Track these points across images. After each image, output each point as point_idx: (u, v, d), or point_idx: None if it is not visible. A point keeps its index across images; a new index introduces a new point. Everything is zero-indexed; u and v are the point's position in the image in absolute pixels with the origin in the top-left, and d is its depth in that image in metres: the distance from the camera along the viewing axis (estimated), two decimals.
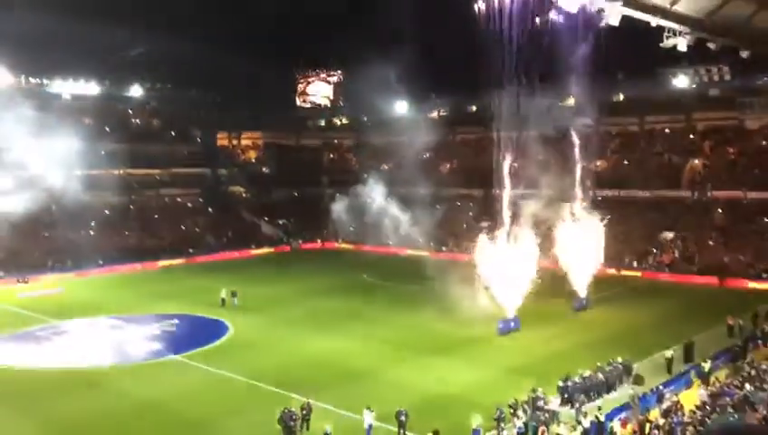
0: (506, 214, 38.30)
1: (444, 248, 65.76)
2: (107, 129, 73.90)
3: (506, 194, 38.69)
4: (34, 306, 45.50)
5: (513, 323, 36.90)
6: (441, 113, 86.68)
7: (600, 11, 18.16)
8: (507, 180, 38.67)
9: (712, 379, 26.18)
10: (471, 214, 67.80)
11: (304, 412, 23.74)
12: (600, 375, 26.82)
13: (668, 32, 20.69)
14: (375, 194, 61.07)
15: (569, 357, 31.31)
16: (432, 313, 40.01)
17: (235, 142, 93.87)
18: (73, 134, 59.13)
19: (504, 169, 38.65)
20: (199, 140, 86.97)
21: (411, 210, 58.48)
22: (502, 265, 36.08)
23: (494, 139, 40.14)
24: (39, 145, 53.71)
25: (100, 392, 28.57)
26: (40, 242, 61.23)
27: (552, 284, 43.98)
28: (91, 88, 70.10)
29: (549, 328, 37.63)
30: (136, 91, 76.97)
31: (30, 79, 64.27)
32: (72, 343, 37.06)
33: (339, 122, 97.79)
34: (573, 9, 15.26)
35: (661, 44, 21.06)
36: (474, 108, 78.77)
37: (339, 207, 63.37)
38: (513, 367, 30.90)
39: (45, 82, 65.22)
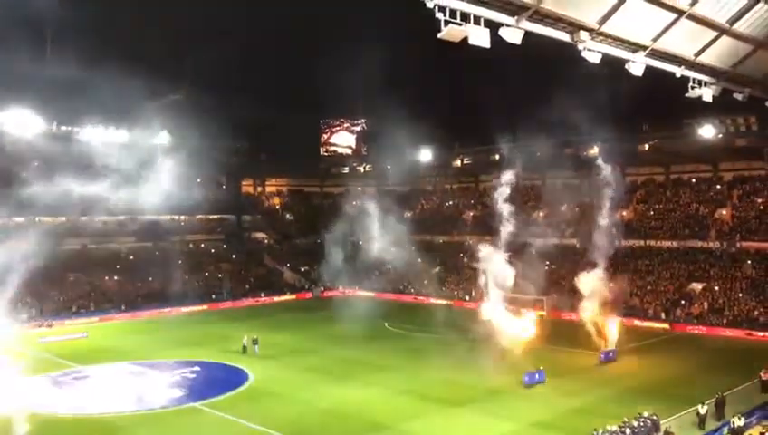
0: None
1: (468, 298, 65.03)
2: (132, 174, 75.01)
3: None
4: (57, 351, 45.61)
5: (538, 376, 36.07)
6: (465, 161, 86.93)
7: (626, 62, 18.11)
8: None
9: None
10: (495, 262, 67.23)
11: None
12: (628, 431, 25.94)
13: (694, 82, 20.57)
14: (397, 242, 60.99)
15: (596, 411, 30.46)
16: (456, 363, 39.37)
17: (259, 189, 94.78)
18: (101, 179, 60.11)
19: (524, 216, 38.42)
20: (224, 186, 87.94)
21: (435, 259, 58.26)
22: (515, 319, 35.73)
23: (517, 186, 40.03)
24: (68, 189, 54.65)
25: None
26: (65, 286, 61.79)
27: (578, 336, 43.29)
28: (119, 135, 71.55)
29: (575, 381, 36.75)
30: (163, 138, 78.34)
31: (61, 127, 65.78)
32: (92, 388, 36.91)
33: (362, 170, 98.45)
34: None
35: (687, 95, 20.93)
36: (497, 156, 78.95)
37: (360, 254, 63.38)
38: (539, 421, 30.04)
39: (76, 129, 66.69)
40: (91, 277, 63.96)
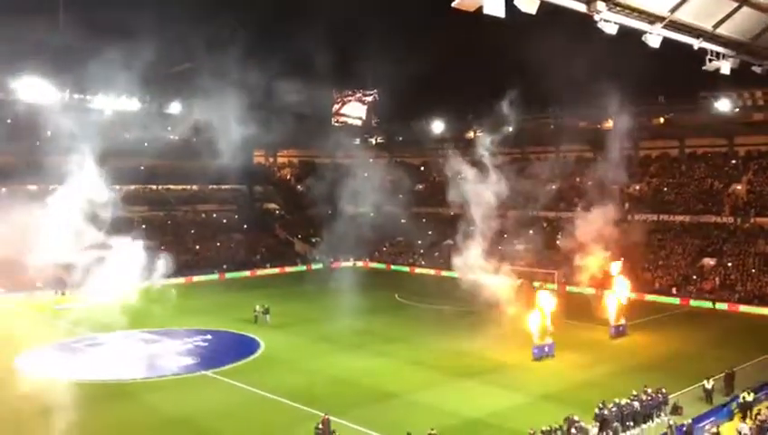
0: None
1: (479, 271, 64.96)
2: (146, 144, 75.20)
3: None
4: (71, 318, 46.15)
5: (547, 349, 36.18)
6: (477, 133, 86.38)
7: (642, 33, 17.75)
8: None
9: (754, 411, 25.24)
10: (506, 235, 67.22)
11: (320, 428, 23.46)
12: (636, 404, 26.03)
13: (712, 54, 20.19)
14: (408, 214, 61.00)
15: (604, 385, 30.56)
16: (465, 335, 39.61)
17: (271, 160, 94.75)
18: (114, 149, 60.21)
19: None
20: (236, 157, 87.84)
21: (446, 230, 58.25)
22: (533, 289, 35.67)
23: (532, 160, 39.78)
24: (80, 159, 54.71)
25: (130, 405, 28.73)
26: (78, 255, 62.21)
27: (589, 309, 43.35)
28: (132, 104, 71.53)
29: (584, 355, 36.87)
30: (175, 107, 78.26)
31: (73, 95, 65.76)
32: (106, 355, 37.51)
33: (374, 141, 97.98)
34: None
35: (704, 67, 20.56)
36: (511, 128, 78.44)
37: (371, 226, 63.41)
38: (548, 393, 30.20)
39: (88, 97, 66.69)
40: (103, 246, 64.30)
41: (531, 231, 62.69)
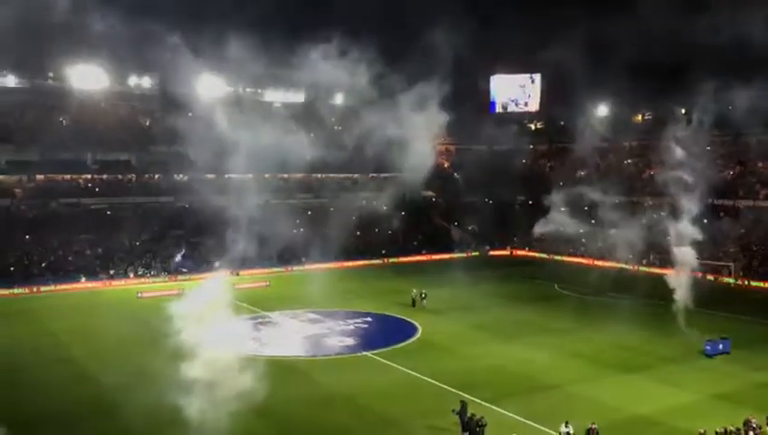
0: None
1: (644, 262, 61.67)
2: (311, 135, 78.93)
3: None
4: (245, 297, 49.69)
5: (722, 346, 33.59)
6: (646, 116, 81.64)
7: None
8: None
9: None
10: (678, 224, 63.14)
11: (457, 411, 23.52)
12: None
13: None
14: (570, 202, 58.91)
15: None
16: (629, 328, 37.80)
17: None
18: (283, 139, 63.73)
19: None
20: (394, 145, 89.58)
21: (609, 220, 55.68)
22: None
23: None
24: (252, 149, 58.44)
25: (296, 380, 30.45)
26: (251, 239, 66.69)
27: None
28: (298, 96, 75.53)
29: (766, 354, 33.79)
30: (338, 99, 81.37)
31: (246, 89, 70.57)
32: (276, 332, 40.05)
33: (533, 127, 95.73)
34: None
35: None
36: (683, 110, 73.19)
37: (531, 215, 62.05)
38: (721, 393, 28.09)
39: (259, 91, 71.24)
40: (274, 231, 68.44)
41: (705, 220, 58.33)
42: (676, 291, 37.93)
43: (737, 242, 58.50)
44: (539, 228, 55.39)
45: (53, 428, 25.23)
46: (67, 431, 25.06)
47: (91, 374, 31.67)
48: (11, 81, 71.74)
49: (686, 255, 38.78)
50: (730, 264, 55.23)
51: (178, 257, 61.77)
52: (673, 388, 28.89)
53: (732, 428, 21.62)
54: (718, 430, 21.50)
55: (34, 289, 53.89)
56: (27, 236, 61.50)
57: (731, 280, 54.74)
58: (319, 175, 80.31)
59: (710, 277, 55.12)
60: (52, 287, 54.80)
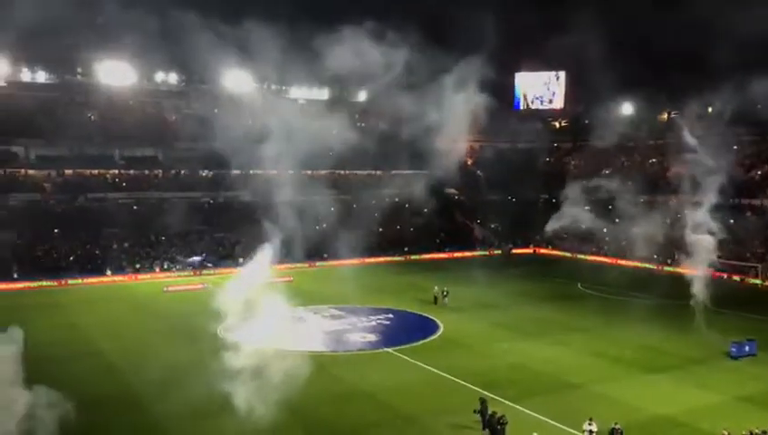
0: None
1: (669, 261, 61.09)
2: (334, 131, 79.25)
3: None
4: (272, 292, 49.92)
5: (748, 347, 33.25)
6: (672, 114, 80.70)
7: None
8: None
9: None
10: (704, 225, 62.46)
11: (478, 410, 23.75)
12: None
13: None
14: (593, 200, 58.52)
15: None
16: (653, 328, 37.60)
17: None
18: (307, 136, 64.09)
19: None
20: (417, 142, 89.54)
21: (633, 219, 55.18)
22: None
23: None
24: (276, 146, 58.79)
25: (317, 375, 30.57)
26: (276, 234, 67.23)
27: None
28: (322, 93, 75.93)
29: None
30: (361, 96, 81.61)
31: (271, 86, 71.11)
32: (299, 327, 40.33)
33: (557, 125, 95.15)
34: None
35: None
36: (709, 108, 72.26)
37: (554, 213, 61.69)
38: (746, 395, 27.82)
39: (284, 88, 71.76)
40: (297, 227, 68.88)
41: (731, 220, 57.66)
42: (700, 291, 37.57)
43: (765, 243, 57.75)
44: (551, 225, 55.21)
45: (86, 418, 25.61)
46: (101, 421, 25.37)
47: (119, 367, 32.20)
48: (41, 76, 73.12)
49: (705, 250, 38.30)
50: (757, 265, 54.51)
51: (196, 258, 62.39)
52: (697, 389, 28.69)
53: (757, 430, 21.45)
54: (744, 432, 21.35)
55: (62, 282, 54.95)
56: (56, 230, 62.72)
57: (758, 281, 54.05)
58: (343, 171, 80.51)
59: (736, 278, 54.49)
60: (80, 281, 55.85)
